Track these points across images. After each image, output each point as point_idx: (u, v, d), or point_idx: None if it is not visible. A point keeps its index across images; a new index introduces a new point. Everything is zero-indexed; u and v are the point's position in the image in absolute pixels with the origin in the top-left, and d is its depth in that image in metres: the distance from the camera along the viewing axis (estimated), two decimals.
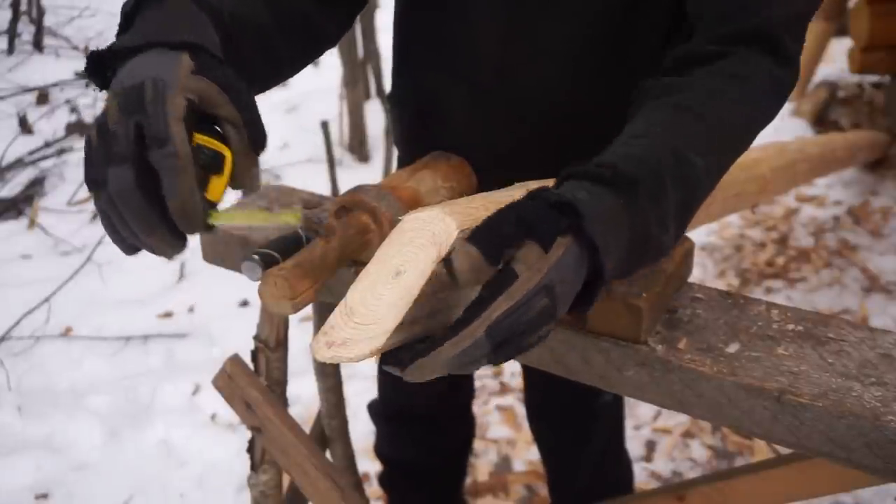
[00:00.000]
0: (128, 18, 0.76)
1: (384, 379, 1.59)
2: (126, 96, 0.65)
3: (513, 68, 1.03)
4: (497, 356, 0.60)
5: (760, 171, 1.49)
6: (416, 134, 1.20)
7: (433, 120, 1.14)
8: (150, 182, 0.64)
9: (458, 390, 1.65)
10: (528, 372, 1.53)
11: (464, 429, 1.73)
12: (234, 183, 0.72)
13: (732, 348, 0.87)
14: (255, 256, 0.92)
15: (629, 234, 0.68)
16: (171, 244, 0.68)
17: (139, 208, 0.64)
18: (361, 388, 2.51)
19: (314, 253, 0.90)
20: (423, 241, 0.68)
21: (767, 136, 3.75)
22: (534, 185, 0.87)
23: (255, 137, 0.71)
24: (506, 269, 0.62)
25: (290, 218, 0.76)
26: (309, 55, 1.02)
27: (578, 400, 1.45)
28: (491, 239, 0.63)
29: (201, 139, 0.68)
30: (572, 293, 0.63)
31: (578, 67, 1.02)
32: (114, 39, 0.74)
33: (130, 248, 0.70)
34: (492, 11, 1.01)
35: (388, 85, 4.36)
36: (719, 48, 0.87)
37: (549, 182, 0.85)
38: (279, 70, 0.96)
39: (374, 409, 1.66)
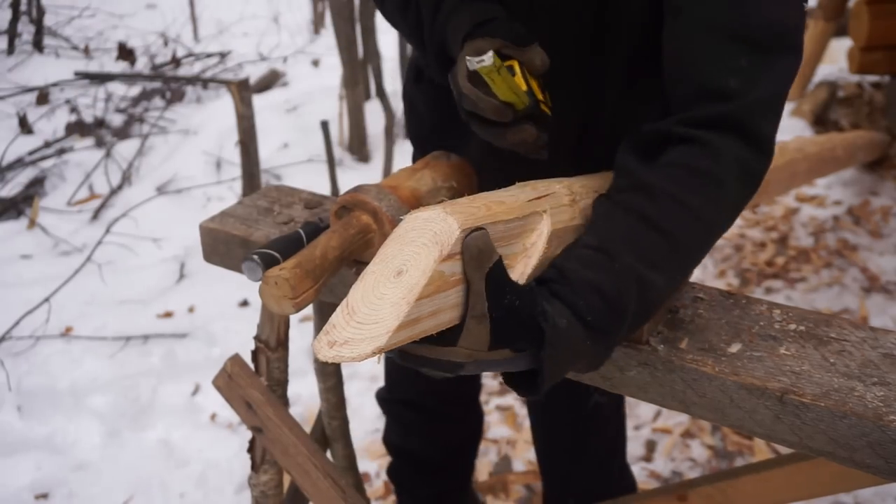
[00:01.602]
0: None
1: (391, 367, 1.60)
2: None
3: None
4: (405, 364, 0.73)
5: None
6: (432, 125, 1.26)
7: (448, 119, 1.16)
8: None
9: (465, 383, 1.64)
10: None
11: (470, 420, 1.72)
12: None
13: (734, 348, 0.87)
14: (256, 256, 0.92)
15: (586, 361, 0.78)
16: None
17: None
18: (362, 387, 2.51)
19: (315, 253, 0.90)
20: (425, 241, 0.68)
21: None
22: (539, 184, 0.87)
23: None
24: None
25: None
26: None
27: (572, 399, 1.43)
28: (492, 284, 0.70)
29: None
30: (493, 371, 0.75)
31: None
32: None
33: None
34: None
35: (388, 85, 4.36)
36: (690, 131, 0.85)
37: (545, 181, 0.87)
38: None
39: (381, 396, 1.66)
